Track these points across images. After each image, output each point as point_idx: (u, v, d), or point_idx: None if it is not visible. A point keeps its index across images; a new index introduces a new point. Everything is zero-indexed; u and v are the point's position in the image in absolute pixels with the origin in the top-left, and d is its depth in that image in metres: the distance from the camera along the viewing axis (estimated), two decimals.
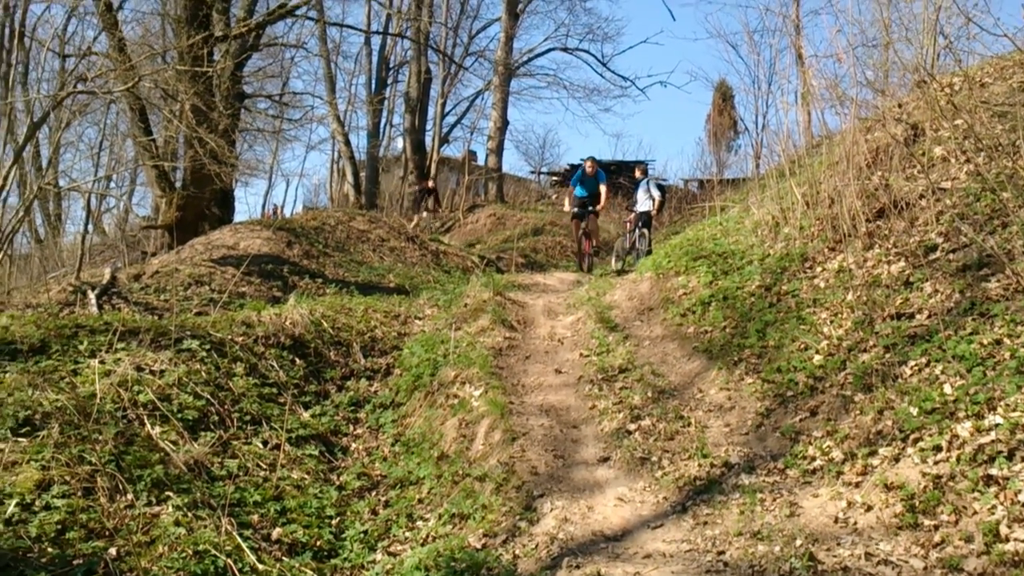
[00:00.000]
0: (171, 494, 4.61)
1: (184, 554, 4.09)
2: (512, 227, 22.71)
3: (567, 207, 14.46)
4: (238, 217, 19.24)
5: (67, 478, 4.43)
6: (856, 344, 5.49)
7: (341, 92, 30.61)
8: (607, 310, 8.43)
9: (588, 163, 13.96)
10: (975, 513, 3.55)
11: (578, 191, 14.01)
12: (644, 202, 13.43)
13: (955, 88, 7.74)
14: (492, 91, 29.87)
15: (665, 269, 8.84)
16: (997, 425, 3.88)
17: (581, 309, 8.71)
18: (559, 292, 10.31)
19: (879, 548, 3.68)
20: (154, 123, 15.67)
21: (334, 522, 5.13)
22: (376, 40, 30.37)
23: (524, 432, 5.62)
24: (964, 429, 4.00)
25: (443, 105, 30.30)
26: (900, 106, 8.26)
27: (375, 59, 31.11)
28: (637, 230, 13.48)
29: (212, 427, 5.63)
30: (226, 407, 5.94)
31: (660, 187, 13.87)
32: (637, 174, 14.53)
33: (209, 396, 5.87)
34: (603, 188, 13.76)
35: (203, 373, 6.14)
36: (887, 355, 5.13)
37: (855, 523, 3.96)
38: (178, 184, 15.82)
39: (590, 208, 13.82)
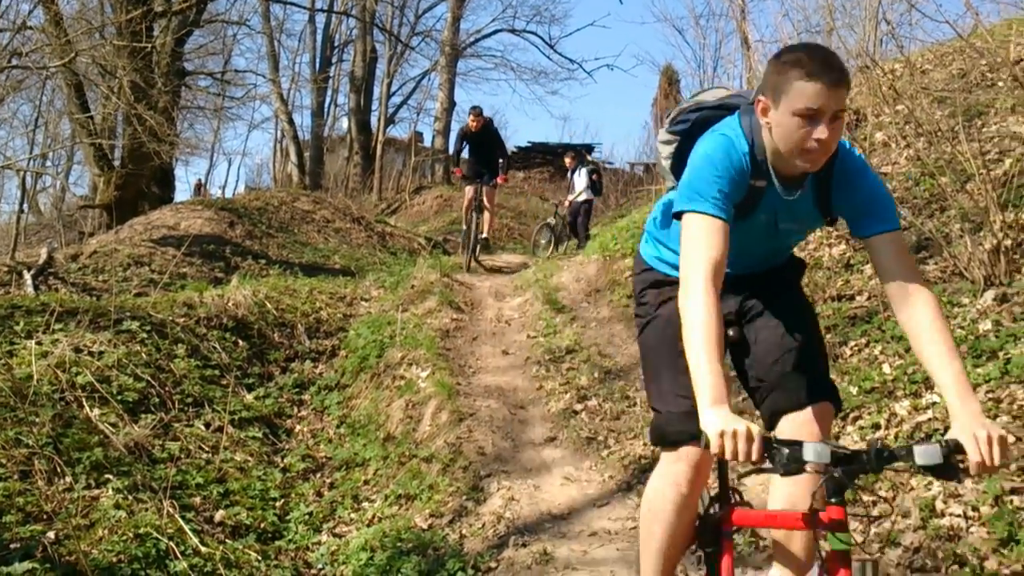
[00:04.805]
0: (111, 477, 4.51)
1: (124, 537, 4.01)
2: (459, 209, 22.53)
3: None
4: (178, 196, 18.91)
5: (3, 461, 4.31)
6: None
7: (284, 70, 30.18)
8: (554, 292, 8.46)
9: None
10: (912, 489, 3.65)
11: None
12: (581, 189, 13.13)
13: (896, 74, 7.89)
14: (439, 72, 29.67)
15: (612, 251, 8.90)
16: (933, 404, 3.98)
17: (528, 291, 8.72)
18: (506, 274, 10.31)
19: None
20: (91, 100, 15.25)
21: (278, 504, 5.08)
22: (320, 18, 29.96)
23: (471, 413, 5.62)
24: (902, 408, 4.11)
25: (389, 85, 29.99)
26: None
27: (319, 37, 30.69)
28: (578, 219, 13.21)
29: (153, 409, 5.51)
30: (167, 389, 5.82)
31: (592, 172, 13.45)
32: (567, 161, 14.04)
33: (149, 378, 5.75)
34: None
35: (143, 355, 6.01)
36: (828, 336, 5.22)
37: None
38: (116, 163, 15.45)
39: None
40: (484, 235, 10.97)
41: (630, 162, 28.26)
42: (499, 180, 11.23)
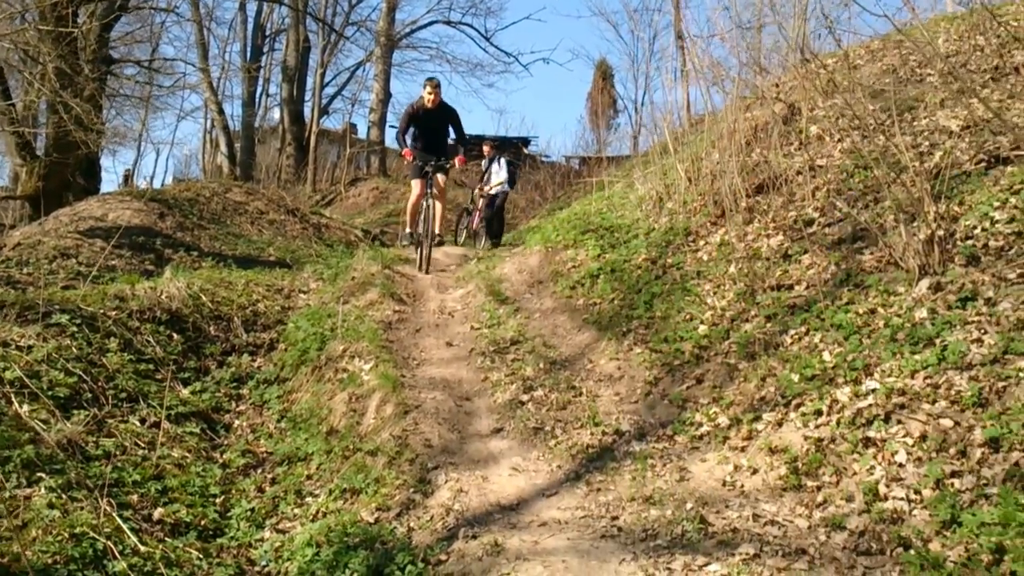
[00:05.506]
0: (43, 475, 4.35)
1: (60, 537, 3.87)
2: (396, 201, 22.43)
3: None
4: (105, 187, 18.35)
5: None
6: (739, 314, 5.67)
7: (215, 59, 29.46)
8: (497, 283, 8.43)
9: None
10: (855, 474, 3.73)
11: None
12: (503, 180, 12.89)
13: (830, 68, 8.06)
14: (374, 63, 29.39)
15: (554, 243, 8.91)
16: (874, 390, 4.07)
17: (471, 283, 8.68)
18: (447, 266, 10.24)
19: (765, 509, 3.81)
20: (13, 87, 14.71)
21: (219, 501, 4.95)
22: (252, 6, 29.43)
23: (417, 405, 5.56)
24: (843, 394, 4.19)
25: (323, 75, 29.59)
26: (778, 85, 8.55)
27: (251, 26, 30.15)
28: (489, 210, 12.98)
29: (85, 405, 5.33)
30: (100, 384, 5.63)
31: (510, 164, 13.16)
32: (486, 150, 13.62)
33: (81, 373, 5.56)
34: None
35: (74, 349, 5.81)
36: (768, 325, 5.32)
37: (742, 486, 4.10)
38: (40, 152, 14.93)
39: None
40: (438, 233, 9.56)
41: (566, 155, 28.39)
42: (458, 161, 9.92)
